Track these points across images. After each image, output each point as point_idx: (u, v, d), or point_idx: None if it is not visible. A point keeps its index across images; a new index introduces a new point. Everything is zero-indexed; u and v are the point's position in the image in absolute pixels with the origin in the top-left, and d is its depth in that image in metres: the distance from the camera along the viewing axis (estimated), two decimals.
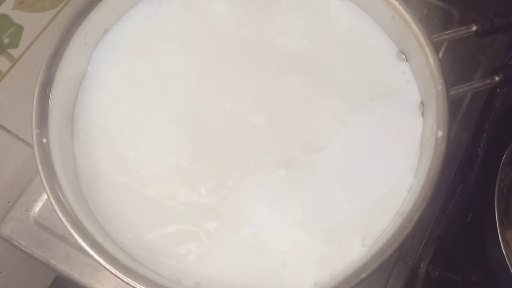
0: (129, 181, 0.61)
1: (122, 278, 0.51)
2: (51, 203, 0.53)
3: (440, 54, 0.78)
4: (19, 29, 0.68)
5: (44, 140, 0.56)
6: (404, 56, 0.63)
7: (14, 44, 0.69)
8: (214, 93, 0.65)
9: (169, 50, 0.67)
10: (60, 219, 0.53)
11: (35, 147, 0.56)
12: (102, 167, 0.61)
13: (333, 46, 0.67)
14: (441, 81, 0.56)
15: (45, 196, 0.75)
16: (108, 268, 0.51)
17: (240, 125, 0.64)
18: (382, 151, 0.61)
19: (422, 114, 0.61)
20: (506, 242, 0.66)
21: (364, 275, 0.50)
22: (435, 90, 0.56)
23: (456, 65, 0.78)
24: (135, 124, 0.63)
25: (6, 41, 0.67)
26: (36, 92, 0.57)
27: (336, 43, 0.67)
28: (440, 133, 0.54)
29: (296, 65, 0.66)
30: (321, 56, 0.67)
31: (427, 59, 0.58)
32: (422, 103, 0.61)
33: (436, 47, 0.58)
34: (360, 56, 0.66)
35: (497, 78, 0.61)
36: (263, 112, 0.64)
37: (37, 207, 0.75)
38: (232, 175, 0.61)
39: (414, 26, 0.59)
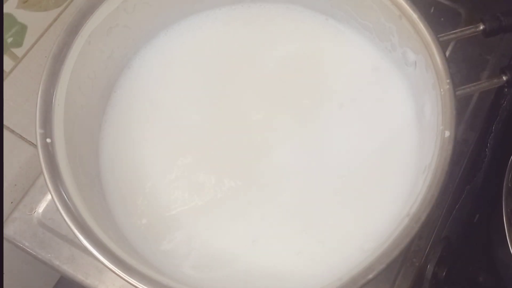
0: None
1: (126, 279, 0.51)
2: (55, 204, 0.53)
3: (447, 54, 0.78)
4: (23, 28, 0.68)
5: (48, 140, 0.56)
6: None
7: (18, 43, 0.68)
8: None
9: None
10: (64, 219, 0.53)
11: (39, 147, 0.55)
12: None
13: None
14: (448, 80, 0.56)
15: (49, 197, 0.74)
16: (113, 269, 0.51)
17: None
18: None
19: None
20: None
21: (370, 276, 0.50)
22: (442, 90, 0.56)
23: (463, 64, 0.78)
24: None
25: (9, 40, 0.67)
26: (40, 92, 0.57)
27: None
28: (447, 133, 0.54)
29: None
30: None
31: (433, 58, 0.57)
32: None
33: (443, 46, 0.57)
34: None
35: (504, 78, 0.61)
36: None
37: (41, 208, 0.75)
38: None
39: (421, 25, 0.58)
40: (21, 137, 0.76)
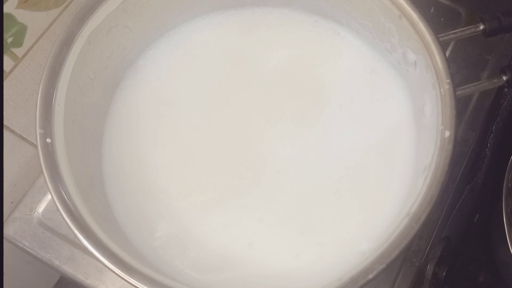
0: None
1: (126, 279, 0.50)
2: (55, 204, 0.53)
3: (447, 54, 0.78)
4: (23, 28, 0.68)
5: (48, 140, 0.56)
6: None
7: (18, 43, 0.68)
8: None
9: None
10: (64, 219, 0.53)
11: (39, 147, 0.55)
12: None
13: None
14: (448, 80, 0.56)
15: (49, 197, 0.74)
16: (113, 269, 0.51)
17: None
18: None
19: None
20: None
21: (370, 276, 0.50)
22: (442, 90, 0.56)
23: (463, 64, 0.78)
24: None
25: (9, 40, 0.66)
26: (40, 92, 0.57)
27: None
28: (447, 133, 0.54)
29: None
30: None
31: (433, 58, 0.57)
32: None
33: (443, 46, 0.57)
34: None
35: (504, 78, 0.61)
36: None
37: (41, 208, 0.75)
38: None
39: (421, 25, 0.58)
40: (21, 137, 0.75)
